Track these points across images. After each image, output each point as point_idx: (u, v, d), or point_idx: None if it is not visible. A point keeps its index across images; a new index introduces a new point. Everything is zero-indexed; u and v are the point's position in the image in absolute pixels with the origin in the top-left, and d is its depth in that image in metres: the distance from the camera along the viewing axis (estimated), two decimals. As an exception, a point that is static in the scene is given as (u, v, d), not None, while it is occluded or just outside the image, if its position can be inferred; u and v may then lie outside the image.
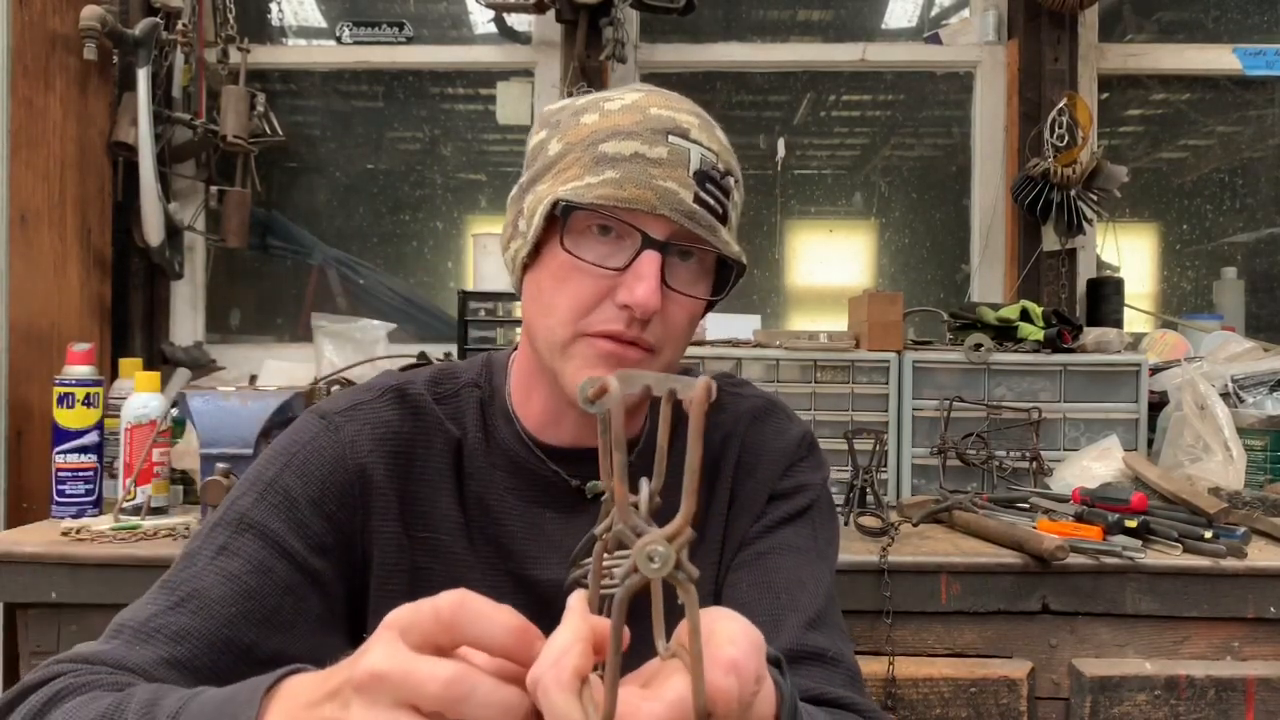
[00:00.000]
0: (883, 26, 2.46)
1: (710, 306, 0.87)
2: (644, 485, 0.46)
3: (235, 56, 2.20)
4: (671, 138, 0.78)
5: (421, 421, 0.86)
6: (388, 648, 0.46)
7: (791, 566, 0.86)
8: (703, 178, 0.79)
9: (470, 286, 2.00)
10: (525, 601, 0.87)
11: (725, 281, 0.85)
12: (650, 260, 0.77)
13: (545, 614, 0.86)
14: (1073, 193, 2.06)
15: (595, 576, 0.49)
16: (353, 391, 0.89)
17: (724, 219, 0.81)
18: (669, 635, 0.48)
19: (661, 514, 0.44)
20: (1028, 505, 1.55)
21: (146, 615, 0.73)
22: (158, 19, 2.04)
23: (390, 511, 0.83)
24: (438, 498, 0.85)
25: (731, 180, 0.82)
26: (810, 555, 0.88)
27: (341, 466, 0.81)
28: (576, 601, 0.48)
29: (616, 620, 0.40)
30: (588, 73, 2.10)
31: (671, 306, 0.80)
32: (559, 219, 0.78)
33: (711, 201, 0.79)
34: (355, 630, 0.84)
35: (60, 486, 1.53)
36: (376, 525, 0.82)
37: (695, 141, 0.79)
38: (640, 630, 0.47)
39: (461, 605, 0.46)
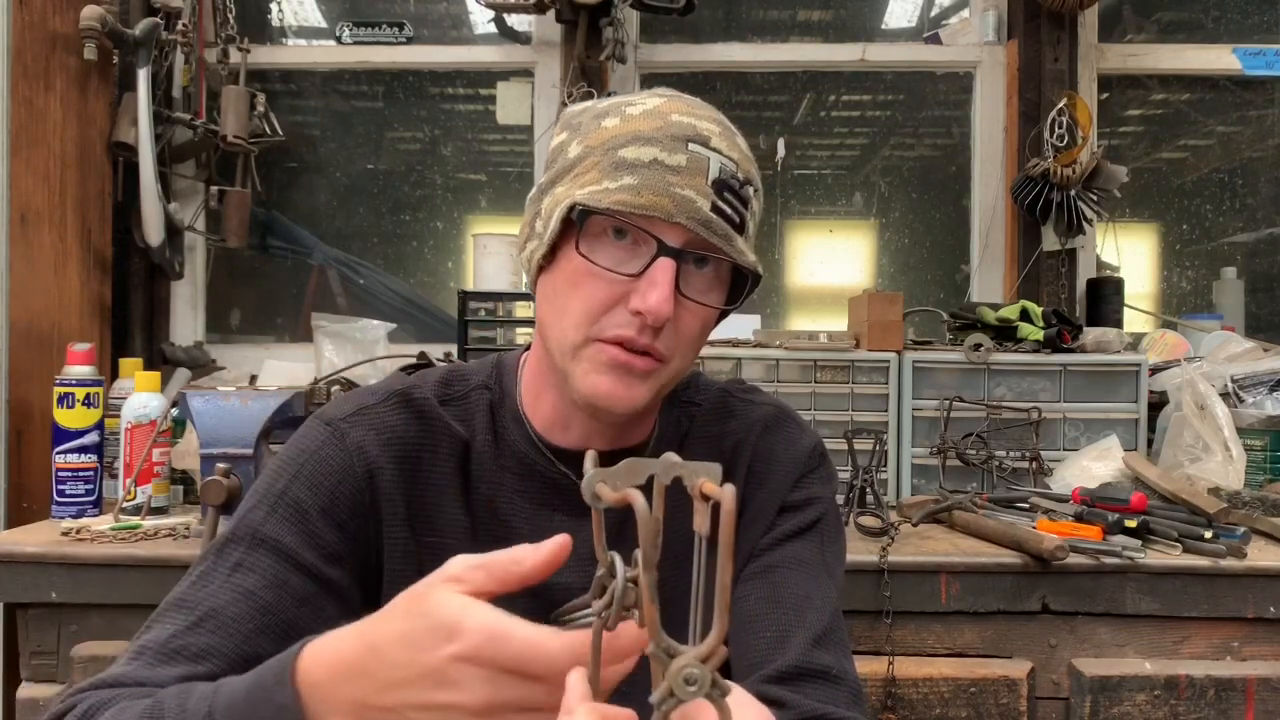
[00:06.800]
0: (883, 26, 2.46)
1: (724, 315, 0.87)
2: (618, 564, 0.47)
3: (235, 56, 2.19)
4: (691, 145, 0.78)
5: (427, 425, 0.86)
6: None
7: (799, 582, 0.86)
8: (721, 186, 0.79)
9: (470, 286, 2.00)
10: (533, 605, 0.87)
11: (740, 290, 0.84)
12: (664, 268, 0.77)
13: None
14: (1073, 193, 2.06)
15: (595, 655, 0.49)
16: (357, 395, 0.89)
17: (741, 228, 0.81)
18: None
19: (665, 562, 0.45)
20: (1028, 505, 1.55)
21: (166, 636, 0.73)
22: (158, 19, 2.04)
23: (398, 517, 0.83)
24: (443, 502, 0.85)
25: (750, 189, 0.82)
26: (818, 570, 0.88)
27: (350, 474, 0.82)
28: (578, 684, 0.48)
29: None
30: (588, 73, 2.10)
31: (684, 314, 0.80)
32: (575, 223, 0.78)
33: (729, 210, 0.79)
34: None
35: (60, 486, 1.53)
36: (387, 531, 0.83)
37: (715, 150, 0.79)
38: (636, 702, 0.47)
39: (506, 641, 0.51)
